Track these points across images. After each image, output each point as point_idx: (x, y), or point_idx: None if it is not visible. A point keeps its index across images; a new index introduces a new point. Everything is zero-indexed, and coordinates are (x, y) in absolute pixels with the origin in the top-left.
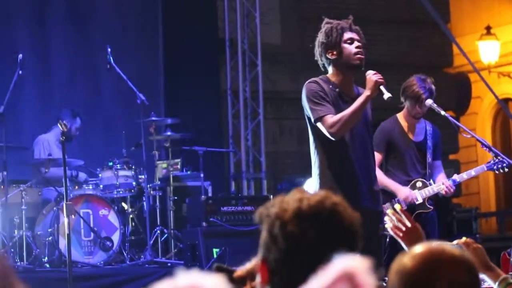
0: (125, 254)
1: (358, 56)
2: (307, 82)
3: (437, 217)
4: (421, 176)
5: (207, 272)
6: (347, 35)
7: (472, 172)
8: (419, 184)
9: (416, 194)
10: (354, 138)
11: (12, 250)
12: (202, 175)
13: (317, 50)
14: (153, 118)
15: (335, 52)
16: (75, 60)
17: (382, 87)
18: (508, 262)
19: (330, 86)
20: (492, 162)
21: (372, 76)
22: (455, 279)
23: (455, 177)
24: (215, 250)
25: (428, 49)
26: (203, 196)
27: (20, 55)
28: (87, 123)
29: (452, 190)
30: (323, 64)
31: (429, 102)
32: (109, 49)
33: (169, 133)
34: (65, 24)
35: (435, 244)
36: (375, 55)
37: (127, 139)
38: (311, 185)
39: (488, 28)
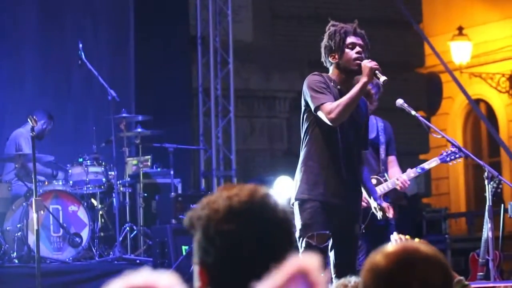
0: (94, 250)
1: (357, 62)
2: (311, 74)
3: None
4: (376, 173)
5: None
6: (350, 39)
7: (426, 166)
8: (373, 181)
9: None
10: (344, 137)
11: None
12: (172, 172)
13: (322, 51)
14: (124, 115)
15: (336, 56)
16: (46, 54)
17: (377, 72)
18: (477, 262)
19: (332, 83)
20: (444, 154)
21: (367, 63)
22: (428, 280)
23: (409, 171)
24: (184, 248)
25: (400, 49)
26: (172, 193)
27: None
28: (58, 119)
29: (406, 184)
30: (328, 66)
31: (399, 101)
32: (80, 45)
33: (139, 129)
34: (36, 19)
35: (409, 243)
36: None
37: (98, 135)
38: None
39: (460, 29)
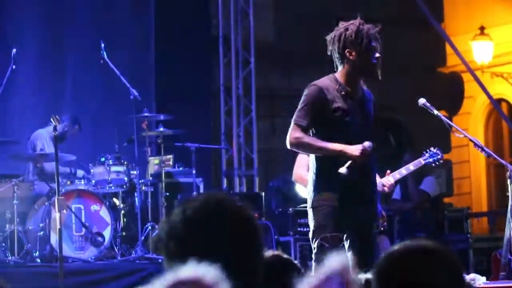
0: (116, 249)
1: (375, 68)
2: (311, 83)
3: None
4: None
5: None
6: (374, 43)
7: (411, 167)
8: None
9: None
10: (357, 138)
11: (3, 244)
12: (194, 171)
13: (335, 43)
14: (146, 114)
15: (354, 53)
16: (68, 54)
17: (348, 163)
18: (499, 262)
19: (337, 87)
20: (427, 155)
21: (360, 151)
22: (435, 278)
23: (394, 173)
24: None
25: (422, 49)
26: (194, 193)
27: (14, 50)
28: (80, 118)
29: (389, 185)
30: (335, 58)
31: (422, 101)
32: (102, 44)
33: (161, 129)
34: (57, 18)
35: (417, 243)
36: None
37: (119, 135)
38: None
39: (482, 28)
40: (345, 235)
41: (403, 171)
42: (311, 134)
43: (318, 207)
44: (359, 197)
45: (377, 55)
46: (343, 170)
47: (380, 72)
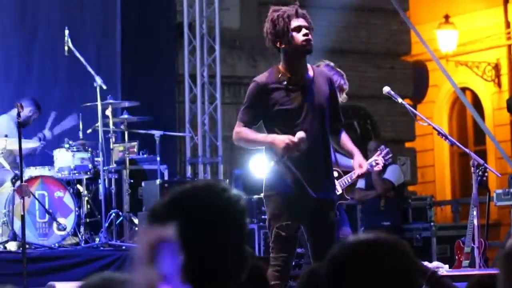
0: (80, 236)
1: (306, 43)
2: (253, 79)
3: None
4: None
5: None
6: (294, 22)
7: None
8: (335, 174)
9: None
10: (306, 126)
11: None
12: (158, 158)
13: (266, 39)
14: (110, 101)
15: (280, 42)
16: (32, 41)
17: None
18: (462, 250)
19: (280, 77)
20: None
21: (285, 143)
22: (385, 266)
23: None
24: None
25: (387, 37)
26: (159, 180)
27: None
28: (44, 105)
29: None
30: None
31: (386, 89)
32: (67, 31)
33: (126, 116)
34: (23, 4)
35: (369, 235)
36: (334, 42)
37: (84, 122)
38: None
39: (447, 17)
40: (301, 225)
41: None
42: (269, 129)
43: (270, 196)
44: (309, 185)
45: (304, 31)
46: (272, 163)
47: (311, 45)
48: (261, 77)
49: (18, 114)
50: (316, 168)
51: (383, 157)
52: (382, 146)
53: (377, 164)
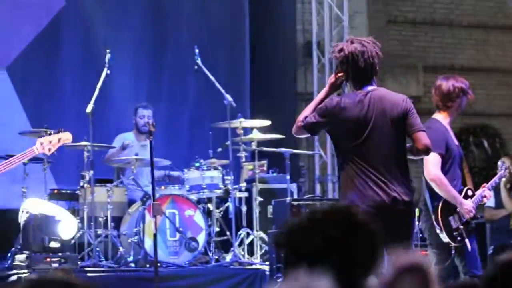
0: (210, 255)
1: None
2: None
3: None
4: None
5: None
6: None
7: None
8: (469, 192)
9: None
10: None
11: (98, 249)
12: (288, 177)
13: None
14: (241, 120)
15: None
16: (162, 59)
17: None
18: None
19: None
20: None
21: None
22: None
23: (489, 184)
24: None
25: None
26: (289, 198)
27: (108, 55)
28: (174, 123)
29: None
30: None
31: None
32: (196, 50)
33: (255, 134)
34: (152, 23)
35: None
36: (462, 60)
37: (214, 140)
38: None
39: None
40: None
41: (496, 179)
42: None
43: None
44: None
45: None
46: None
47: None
48: (341, 96)
49: (150, 133)
50: (391, 179)
51: (498, 177)
52: (499, 163)
53: (484, 196)
